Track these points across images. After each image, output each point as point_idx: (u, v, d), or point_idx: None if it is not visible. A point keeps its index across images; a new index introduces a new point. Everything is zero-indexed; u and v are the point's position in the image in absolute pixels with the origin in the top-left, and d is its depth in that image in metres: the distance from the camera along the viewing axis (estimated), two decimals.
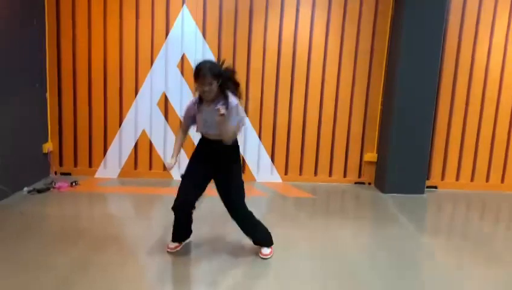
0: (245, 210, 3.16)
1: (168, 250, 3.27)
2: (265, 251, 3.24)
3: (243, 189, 3.15)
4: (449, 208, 4.77)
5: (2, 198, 4.27)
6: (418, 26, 4.79)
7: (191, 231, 3.39)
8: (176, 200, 3.12)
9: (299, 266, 3.07)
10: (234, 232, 3.39)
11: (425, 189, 5.22)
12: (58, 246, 3.24)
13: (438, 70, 4.96)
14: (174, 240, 3.32)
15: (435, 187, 5.38)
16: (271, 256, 3.22)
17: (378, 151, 5.36)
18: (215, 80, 2.86)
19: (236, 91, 3.03)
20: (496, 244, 3.68)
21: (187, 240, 3.42)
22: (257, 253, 3.24)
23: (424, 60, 4.87)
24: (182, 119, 3.28)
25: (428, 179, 5.35)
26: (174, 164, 3.15)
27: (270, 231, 3.28)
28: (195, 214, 3.23)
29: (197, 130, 3.15)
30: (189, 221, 3.29)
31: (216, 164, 3.10)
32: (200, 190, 3.14)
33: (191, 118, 3.15)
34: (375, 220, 4.21)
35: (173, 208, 3.12)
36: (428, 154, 5.13)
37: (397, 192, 5.06)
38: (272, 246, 3.28)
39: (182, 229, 3.30)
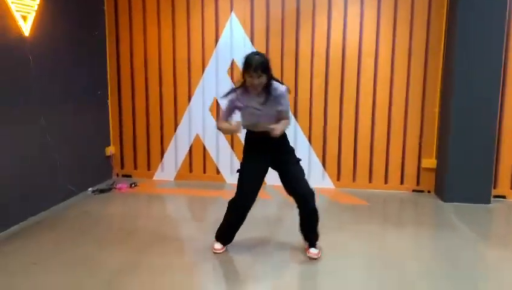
0: (315, 196, 3.14)
1: (215, 251, 3.28)
2: (314, 250, 3.20)
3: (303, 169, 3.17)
4: None
5: (69, 197, 4.65)
6: (475, 18, 4.45)
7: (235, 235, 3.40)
8: (237, 198, 3.14)
9: (352, 274, 2.97)
10: (279, 234, 3.37)
11: (492, 198, 4.81)
12: (114, 243, 3.45)
13: (501, 64, 4.54)
14: (222, 241, 3.31)
15: (503, 197, 4.92)
16: (320, 256, 3.18)
17: (438, 157, 5.02)
18: (265, 74, 2.90)
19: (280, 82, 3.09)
20: None
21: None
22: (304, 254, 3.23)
23: (484, 55, 4.49)
24: (223, 110, 3.23)
25: (495, 187, 4.91)
26: (236, 123, 3.09)
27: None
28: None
29: (243, 123, 3.10)
30: (243, 221, 3.25)
31: (275, 155, 3.10)
32: (259, 188, 3.15)
33: (233, 110, 3.14)
34: (435, 230, 3.94)
35: (234, 206, 3.15)
36: (494, 159, 4.71)
37: (459, 201, 4.69)
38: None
39: (233, 229, 3.29)
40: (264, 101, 2.98)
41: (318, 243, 3.26)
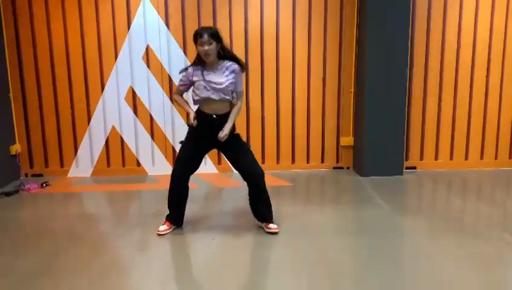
0: (261, 170, 3.25)
1: (159, 233, 3.28)
2: (273, 225, 3.31)
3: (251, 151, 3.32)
4: (426, 187, 4.67)
5: None
6: (383, 11, 4.68)
7: (183, 218, 3.42)
8: (174, 169, 3.26)
9: (278, 251, 3.01)
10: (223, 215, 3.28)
11: (404, 170, 5.15)
12: (20, 249, 3.11)
13: (408, 48, 4.84)
14: (168, 218, 3.36)
15: (414, 168, 5.30)
16: (278, 231, 3.28)
17: (355, 135, 5.26)
18: (215, 41, 3.01)
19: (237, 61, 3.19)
20: (470, 220, 3.61)
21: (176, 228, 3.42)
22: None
23: (394, 39, 4.75)
24: (178, 84, 3.29)
25: (407, 160, 5.27)
26: (194, 119, 3.17)
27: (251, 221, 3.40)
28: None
29: (197, 96, 3.14)
30: (185, 198, 3.36)
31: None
32: (195, 164, 3.28)
33: (188, 84, 3.21)
34: (352, 204, 4.11)
35: (171, 176, 3.25)
36: (405, 135, 5.04)
37: (376, 174, 4.97)
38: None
39: (177, 205, 3.34)
40: (222, 75, 3.09)
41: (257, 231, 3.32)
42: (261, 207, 3.33)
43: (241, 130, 5.18)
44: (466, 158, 5.32)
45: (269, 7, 5.02)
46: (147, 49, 5.02)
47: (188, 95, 3.36)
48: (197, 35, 3.02)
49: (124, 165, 5.26)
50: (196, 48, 3.06)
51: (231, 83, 3.11)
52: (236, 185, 4.69)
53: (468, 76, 5.15)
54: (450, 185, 4.74)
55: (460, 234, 3.24)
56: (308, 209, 3.92)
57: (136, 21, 4.97)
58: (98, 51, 5.02)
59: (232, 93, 3.15)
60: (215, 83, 3.07)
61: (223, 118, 3.14)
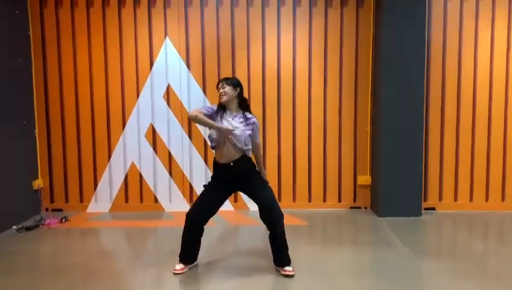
0: (280, 212, 3.27)
1: (175, 271, 3.31)
2: (289, 268, 3.28)
3: (272, 190, 3.37)
4: (445, 228, 4.58)
5: None
6: (399, 45, 4.78)
7: (197, 254, 3.44)
8: (190, 211, 3.33)
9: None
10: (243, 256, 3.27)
11: (423, 211, 5.06)
12: (43, 284, 3.14)
13: (424, 89, 4.89)
14: (181, 259, 3.37)
15: (433, 209, 5.21)
16: (294, 274, 3.25)
17: (372, 174, 5.24)
18: (232, 86, 3.28)
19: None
20: (493, 263, 3.49)
21: (192, 265, 3.43)
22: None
23: (409, 82, 4.82)
24: (200, 109, 3.30)
25: (425, 200, 5.19)
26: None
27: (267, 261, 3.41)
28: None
29: (212, 140, 3.31)
30: (199, 237, 3.38)
31: (240, 182, 3.32)
32: (212, 210, 3.35)
33: (209, 115, 3.27)
34: (371, 246, 4.03)
35: (186, 218, 3.30)
36: (423, 174, 5.00)
37: (393, 215, 4.90)
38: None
39: (189, 244, 3.35)
40: (238, 122, 3.25)
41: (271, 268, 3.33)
42: (277, 252, 3.32)
43: None
44: (486, 200, 5.22)
45: (286, 48, 5.17)
46: (168, 88, 5.19)
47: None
48: (218, 82, 3.37)
49: (141, 201, 5.32)
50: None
51: (247, 131, 3.25)
52: (253, 223, 4.68)
53: (486, 116, 5.14)
54: (470, 227, 4.64)
55: (482, 278, 3.15)
56: (325, 250, 3.87)
57: (158, 60, 5.17)
58: (121, 88, 5.21)
59: (245, 143, 3.24)
60: (234, 130, 3.19)
61: (238, 164, 3.24)
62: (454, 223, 4.74)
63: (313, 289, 3.02)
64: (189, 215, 3.30)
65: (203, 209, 3.31)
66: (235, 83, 3.33)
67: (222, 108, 3.32)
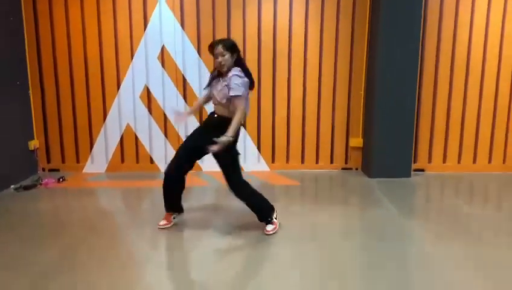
0: (242, 184, 3.32)
1: (158, 226, 3.47)
2: (269, 227, 3.38)
3: (234, 162, 3.28)
4: (433, 189, 4.74)
5: None
6: (397, 4, 4.74)
7: (181, 207, 3.56)
8: (168, 165, 3.36)
9: (283, 251, 3.09)
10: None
11: (413, 172, 5.21)
12: (40, 241, 3.25)
13: (419, 50, 4.90)
14: (166, 209, 3.50)
15: (422, 170, 5.36)
16: (275, 231, 3.36)
17: (364, 137, 5.33)
18: (228, 52, 3.09)
19: (247, 73, 3.18)
20: (474, 224, 3.66)
21: (176, 219, 3.57)
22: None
23: (405, 40, 4.81)
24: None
25: (415, 162, 5.33)
26: (184, 116, 3.44)
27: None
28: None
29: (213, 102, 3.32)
30: (179, 190, 3.43)
31: (210, 136, 3.11)
32: (191, 160, 3.37)
33: (208, 89, 3.34)
34: (360, 205, 4.20)
35: (165, 172, 3.35)
36: (414, 137, 5.10)
37: (384, 176, 5.05)
38: (276, 221, 3.42)
39: (171, 197, 3.44)
40: (223, 80, 3.15)
41: (275, 219, 3.45)
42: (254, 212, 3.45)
43: (252, 129, 5.31)
44: (474, 161, 5.37)
45: (282, 8, 5.11)
46: (162, 49, 5.15)
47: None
48: (211, 47, 3.14)
49: (137, 162, 5.40)
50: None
51: (225, 87, 3.12)
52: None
53: (478, 79, 5.19)
54: (458, 188, 4.80)
55: (466, 238, 3.32)
56: (315, 209, 4.02)
57: (152, 21, 5.10)
58: (115, 50, 5.16)
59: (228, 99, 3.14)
60: (216, 89, 3.21)
61: (221, 119, 3.18)
62: (442, 184, 4.91)
63: (303, 249, 3.16)
64: (166, 171, 3.37)
65: (177, 159, 3.35)
66: (232, 47, 3.12)
67: (218, 71, 3.23)
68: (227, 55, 3.09)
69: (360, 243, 3.27)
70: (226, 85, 3.10)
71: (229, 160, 3.25)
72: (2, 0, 4.64)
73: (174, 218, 3.55)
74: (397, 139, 5.02)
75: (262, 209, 3.42)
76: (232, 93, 3.06)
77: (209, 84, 3.33)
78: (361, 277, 2.71)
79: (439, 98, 5.23)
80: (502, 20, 5.06)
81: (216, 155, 3.21)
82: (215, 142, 3.00)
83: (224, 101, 3.14)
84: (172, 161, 3.36)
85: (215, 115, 3.25)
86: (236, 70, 3.11)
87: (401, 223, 3.65)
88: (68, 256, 3.00)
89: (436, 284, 2.58)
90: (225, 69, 3.12)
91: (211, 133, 3.09)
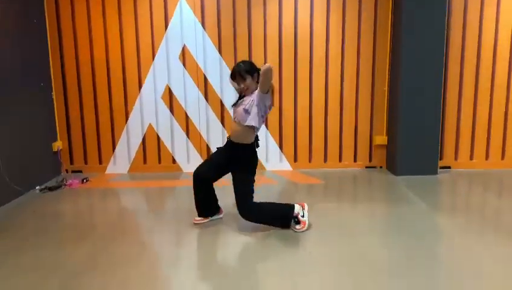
0: (248, 208, 3.29)
1: (194, 221, 3.51)
2: (297, 226, 3.33)
3: (248, 190, 3.28)
4: (460, 186, 4.63)
5: (15, 197, 4.36)
6: (419, 6, 4.67)
7: (217, 208, 3.59)
8: (198, 166, 3.44)
9: (315, 249, 3.03)
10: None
11: (439, 169, 5.10)
12: (69, 243, 3.25)
13: (444, 48, 4.80)
14: (199, 214, 3.54)
15: (449, 167, 5.24)
16: (305, 228, 3.31)
17: (388, 134, 5.24)
18: (248, 74, 3.16)
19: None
20: (506, 219, 3.55)
21: (216, 217, 3.60)
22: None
23: (429, 37, 4.72)
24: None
25: (441, 159, 5.22)
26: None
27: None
28: None
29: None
30: (207, 192, 3.46)
31: (231, 159, 3.31)
32: (216, 173, 3.40)
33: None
34: (387, 202, 4.12)
35: (194, 172, 3.42)
36: (440, 134, 4.98)
37: (409, 174, 4.95)
38: (303, 220, 3.33)
39: (201, 202, 3.48)
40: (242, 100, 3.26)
41: (303, 217, 3.36)
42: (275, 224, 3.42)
43: (274, 129, 5.26)
44: (502, 158, 5.23)
45: (303, 6, 5.06)
46: (183, 49, 5.14)
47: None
48: (231, 76, 3.24)
49: (159, 162, 5.40)
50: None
51: (249, 106, 3.15)
52: (269, 181, 4.78)
53: (506, 75, 5.06)
54: (485, 184, 4.68)
55: (496, 233, 3.22)
56: (341, 207, 3.95)
57: (173, 21, 5.10)
58: (137, 50, 5.17)
59: (245, 112, 3.16)
60: (238, 107, 3.26)
61: (235, 144, 3.28)
62: (470, 181, 4.79)
63: (334, 243, 3.11)
64: (194, 171, 3.42)
65: (204, 164, 3.44)
66: (250, 70, 3.19)
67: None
68: (249, 80, 3.18)
69: (392, 241, 3.19)
70: (251, 100, 3.16)
71: (244, 176, 3.28)
72: (25, 2, 4.69)
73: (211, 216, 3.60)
74: (422, 137, 4.92)
75: (277, 219, 3.37)
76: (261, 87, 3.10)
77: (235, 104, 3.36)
78: (397, 275, 2.64)
79: (464, 93, 5.11)
80: None
81: (234, 170, 3.32)
82: (234, 166, 3.28)
83: (242, 120, 3.18)
84: (202, 163, 3.50)
85: (229, 139, 3.36)
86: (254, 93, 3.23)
87: (430, 218, 3.57)
88: (97, 256, 2.99)
89: (469, 275, 2.50)
90: (249, 92, 3.22)
91: (229, 155, 3.32)
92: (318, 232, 3.32)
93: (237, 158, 3.27)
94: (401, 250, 2.99)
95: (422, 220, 3.55)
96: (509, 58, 5.02)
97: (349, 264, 2.78)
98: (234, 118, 3.28)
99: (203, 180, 3.40)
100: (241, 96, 3.31)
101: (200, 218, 3.54)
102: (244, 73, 3.16)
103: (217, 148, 3.52)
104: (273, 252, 3.00)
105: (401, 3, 4.73)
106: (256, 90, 3.12)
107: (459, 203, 4.16)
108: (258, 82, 3.13)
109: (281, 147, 5.34)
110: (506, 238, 3.14)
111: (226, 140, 3.41)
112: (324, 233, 3.30)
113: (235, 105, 3.33)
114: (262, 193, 4.49)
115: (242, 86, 3.19)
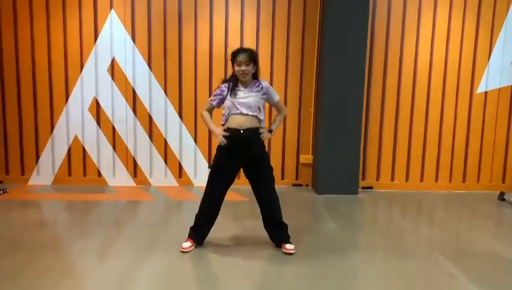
0: (277, 199, 3.33)
1: (182, 250, 3.20)
2: (290, 245, 3.26)
3: (273, 176, 3.32)
4: (377, 206, 4.79)
5: None
6: (342, 29, 4.88)
7: (205, 236, 3.37)
8: (207, 194, 3.25)
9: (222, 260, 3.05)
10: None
11: (361, 189, 5.27)
12: None
13: (365, 68, 5.03)
14: (192, 238, 3.29)
15: (371, 188, 5.44)
16: (295, 251, 3.24)
17: (314, 153, 5.39)
18: (252, 62, 3.11)
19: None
20: (411, 240, 3.70)
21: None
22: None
23: (351, 59, 4.94)
24: (209, 100, 3.29)
25: (364, 180, 5.41)
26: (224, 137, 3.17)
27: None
28: None
29: (229, 113, 3.15)
30: (212, 219, 3.32)
31: (246, 155, 3.16)
32: (227, 187, 3.30)
33: (222, 98, 3.21)
34: (298, 220, 4.16)
35: (203, 201, 3.25)
36: (360, 154, 5.19)
37: (330, 193, 5.09)
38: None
39: (202, 226, 3.30)
40: (255, 91, 3.16)
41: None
42: (274, 231, 3.37)
43: (204, 144, 5.27)
44: (421, 180, 5.48)
45: (233, 23, 5.19)
46: (113, 61, 5.13)
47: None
48: (236, 55, 3.10)
49: (85, 175, 5.30)
50: (233, 66, 3.15)
51: (260, 98, 3.17)
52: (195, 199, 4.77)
53: (424, 100, 5.35)
54: (402, 206, 4.87)
55: (396, 253, 3.35)
56: (255, 225, 3.98)
57: (103, 33, 5.09)
58: (64, 60, 5.11)
59: (259, 109, 3.17)
60: (244, 98, 3.12)
61: (248, 132, 3.13)
62: (388, 201, 4.97)
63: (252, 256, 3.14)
64: (203, 199, 3.27)
65: (216, 191, 3.26)
66: (256, 59, 3.16)
67: (234, 81, 3.18)
68: (251, 66, 3.12)
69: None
70: (262, 95, 3.18)
71: (270, 166, 3.28)
72: None
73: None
74: (344, 157, 5.09)
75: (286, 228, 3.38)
76: (276, 98, 3.31)
77: (226, 95, 3.19)
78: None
79: (386, 115, 5.35)
80: (446, 42, 5.27)
81: (259, 166, 3.22)
82: (257, 156, 3.18)
83: (254, 112, 3.13)
84: (213, 189, 3.27)
85: (242, 131, 3.12)
86: (263, 82, 3.24)
87: (337, 238, 3.67)
88: (7, 269, 2.88)
89: None
90: (246, 78, 3.13)
91: (250, 150, 3.15)
92: (241, 246, 3.34)
93: (256, 144, 3.16)
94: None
95: (329, 240, 3.62)
96: (428, 85, 5.32)
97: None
98: (239, 112, 3.12)
99: (216, 205, 3.29)
100: (231, 87, 3.18)
101: (188, 245, 3.24)
102: (251, 58, 3.10)
103: (217, 163, 3.23)
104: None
105: (326, 31, 4.94)
106: (264, 89, 3.19)
107: (367, 223, 4.29)
108: (254, 72, 3.17)
109: (210, 162, 5.37)
110: (401, 257, 3.25)
111: (227, 140, 3.14)
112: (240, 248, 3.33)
113: (232, 95, 3.15)
114: (189, 209, 4.50)
115: (243, 68, 3.07)
